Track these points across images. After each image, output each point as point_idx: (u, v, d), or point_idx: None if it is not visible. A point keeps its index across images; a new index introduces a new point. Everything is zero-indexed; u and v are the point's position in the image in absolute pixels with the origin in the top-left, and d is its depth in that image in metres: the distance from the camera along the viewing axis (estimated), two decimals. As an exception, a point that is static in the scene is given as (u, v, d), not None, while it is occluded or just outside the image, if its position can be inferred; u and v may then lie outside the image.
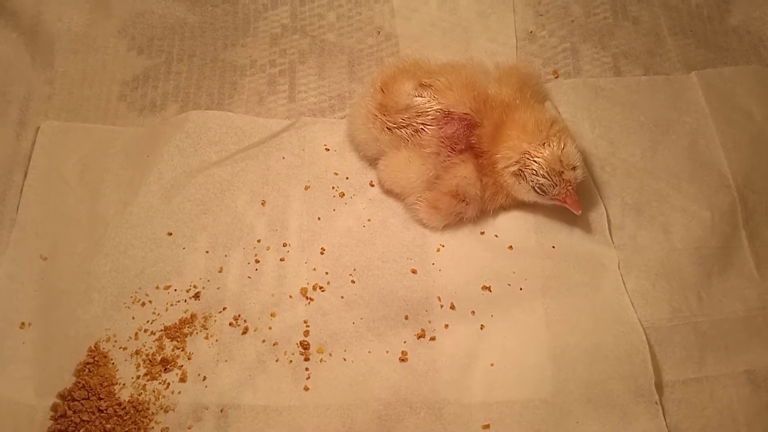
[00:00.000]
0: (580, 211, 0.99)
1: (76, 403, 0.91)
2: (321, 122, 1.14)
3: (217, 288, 1.00)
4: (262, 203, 1.07)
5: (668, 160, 1.10)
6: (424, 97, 1.04)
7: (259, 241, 1.04)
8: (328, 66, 1.21)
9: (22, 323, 0.97)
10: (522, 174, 0.99)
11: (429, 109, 1.03)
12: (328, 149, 1.11)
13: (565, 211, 1.02)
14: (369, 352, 0.96)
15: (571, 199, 0.98)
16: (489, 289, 1.00)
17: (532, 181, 0.98)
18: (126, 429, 0.90)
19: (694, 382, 0.96)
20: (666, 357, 0.96)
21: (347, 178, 1.09)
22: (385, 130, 1.05)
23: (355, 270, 1.01)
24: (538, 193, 0.99)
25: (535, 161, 0.97)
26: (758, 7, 1.26)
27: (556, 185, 0.98)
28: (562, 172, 0.97)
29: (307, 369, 0.95)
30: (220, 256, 1.02)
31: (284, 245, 1.03)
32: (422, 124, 1.03)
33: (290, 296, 1.00)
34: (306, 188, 1.08)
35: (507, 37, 1.24)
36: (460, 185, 1.01)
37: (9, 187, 1.06)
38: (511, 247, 1.03)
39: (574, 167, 0.98)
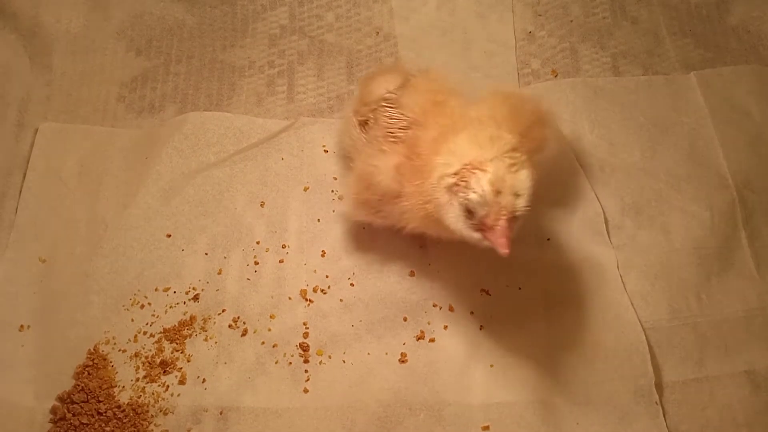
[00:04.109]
0: (507, 252, 0.79)
1: (75, 405, 0.91)
2: (320, 123, 1.14)
3: (217, 290, 1.00)
4: (261, 204, 1.07)
5: (667, 160, 1.10)
6: (394, 94, 0.95)
7: (258, 242, 1.03)
8: (327, 67, 1.21)
9: (21, 326, 0.96)
10: (456, 190, 0.81)
11: (392, 106, 0.94)
12: (326, 150, 1.11)
13: (563, 211, 1.02)
14: (368, 354, 0.96)
15: (499, 231, 0.79)
16: (488, 291, 1.00)
17: (462, 196, 0.80)
18: (125, 431, 0.89)
19: (694, 383, 0.96)
20: (666, 357, 0.97)
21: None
22: (357, 126, 0.99)
23: (354, 272, 1.01)
24: (464, 215, 0.81)
25: (474, 173, 0.80)
26: (757, 7, 1.26)
27: (488, 207, 0.79)
28: (500, 193, 0.79)
29: (306, 371, 0.95)
30: (219, 257, 1.02)
31: (283, 247, 1.03)
32: (383, 117, 0.94)
33: (289, 298, 1.00)
34: (305, 189, 1.08)
35: (506, 38, 1.24)
36: (372, 174, 0.91)
37: (8, 189, 1.06)
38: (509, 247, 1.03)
39: (518, 194, 0.80)
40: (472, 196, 0.79)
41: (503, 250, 0.78)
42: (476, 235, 0.81)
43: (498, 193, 0.78)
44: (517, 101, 0.93)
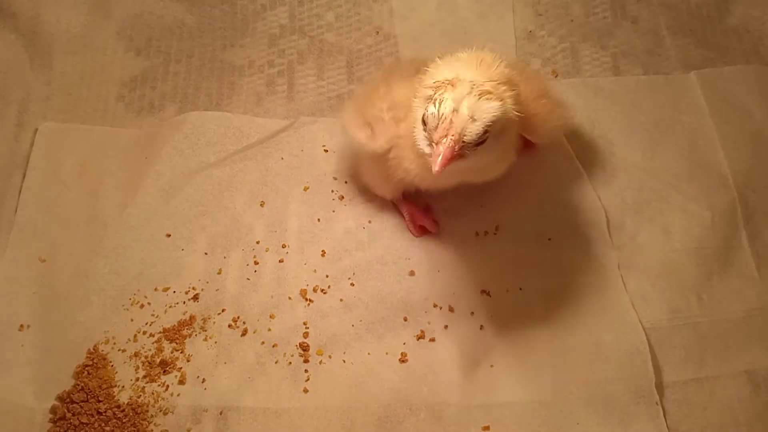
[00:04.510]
0: (437, 170, 0.76)
1: (75, 405, 0.91)
2: (320, 122, 1.13)
3: (216, 289, 1.00)
4: (260, 204, 1.06)
5: (668, 160, 1.10)
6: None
7: (258, 242, 1.03)
8: (327, 66, 1.21)
9: (21, 326, 0.96)
10: (427, 103, 0.79)
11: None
12: (326, 150, 1.11)
13: (564, 211, 1.02)
14: (368, 353, 0.96)
15: (439, 148, 0.76)
16: (488, 292, 1.00)
17: (425, 106, 0.79)
18: (125, 431, 0.89)
19: (694, 383, 0.96)
20: (666, 357, 0.97)
21: (346, 182, 1.08)
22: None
23: (354, 273, 1.01)
24: (422, 127, 0.80)
25: (448, 87, 0.78)
26: (758, 7, 1.26)
27: (439, 123, 0.77)
28: (456, 111, 0.76)
29: (306, 371, 0.95)
30: (218, 257, 1.02)
31: (283, 246, 1.03)
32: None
33: (289, 298, 0.99)
34: (305, 189, 1.08)
35: (506, 37, 1.24)
36: (368, 98, 0.92)
37: (7, 189, 1.06)
38: (509, 248, 1.03)
39: (474, 119, 0.76)
40: (432, 109, 0.77)
41: (435, 167, 0.76)
42: (427, 149, 0.80)
43: (455, 111, 0.76)
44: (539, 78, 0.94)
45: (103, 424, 0.90)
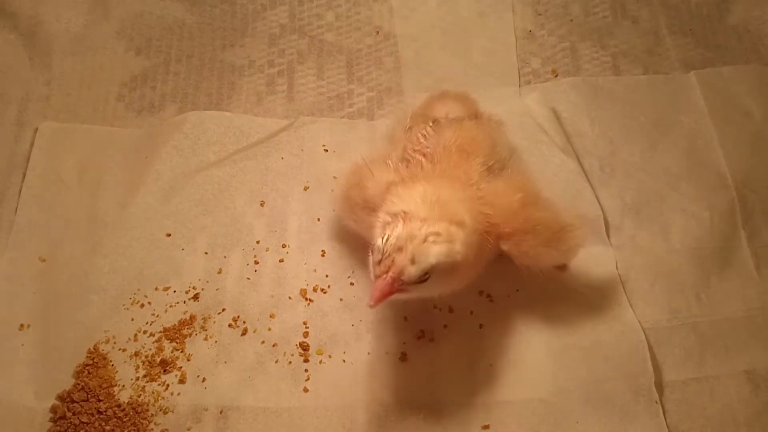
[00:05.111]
0: (371, 305, 0.76)
1: (75, 404, 0.91)
2: (320, 122, 1.13)
3: (216, 289, 1.00)
4: (261, 204, 1.06)
5: (667, 160, 1.10)
6: (446, 120, 0.96)
7: (258, 242, 1.03)
8: (327, 66, 1.21)
9: (21, 325, 0.96)
10: (382, 224, 0.80)
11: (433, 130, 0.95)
12: (326, 150, 1.11)
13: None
14: (368, 353, 0.96)
15: (377, 283, 0.76)
16: (487, 292, 1.00)
17: (377, 236, 0.79)
18: (125, 431, 0.90)
19: (694, 382, 0.96)
20: (666, 357, 0.97)
21: (346, 180, 1.09)
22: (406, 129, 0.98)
23: (354, 272, 1.01)
24: (371, 254, 0.79)
25: (399, 221, 0.78)
26: (757, 7, 1.26)
27: (382, 259, 0.76)
28: (401, 251, 0.76)
29: (306, 370, 0.95)
30: (219, 257, 1.02)
31: (283, 246, 1.03)
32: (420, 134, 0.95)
33: (289, 297, 1.00)
34: (305, 189, 1.08)
35: (506, 37, 1.24)
36: (365, 176, 0.90)
37: (7, 189, 1.06)
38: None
39: (414, 263, 0.76)
40: (378, 240, 0.77)
41: (370, 302, 0.76)
42: (372, 276, 0.79)
43: (399, 250, 0.76)
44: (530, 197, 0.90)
45: (103, 424, 0.90)
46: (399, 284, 0.76)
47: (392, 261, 0.76)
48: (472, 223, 0.81)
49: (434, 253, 0.76)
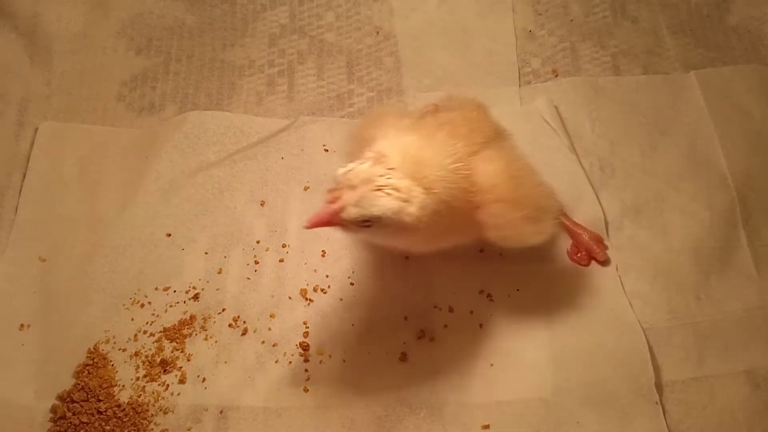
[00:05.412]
0: (306, 226, 0.77)
1: (75, 404, 0.91)
2: (320, 122, 1.14)
3: (217, 289, 1.00)
4: (261, 204, 1.07)
5: (667, 159, 1.10)
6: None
7: (258, 242, 1.03)
8: (327, 66, 1.21)
9: (21, 325, 0.96)
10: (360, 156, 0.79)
11: None
12: (327, 150, 1.11)
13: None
14: (369, 353, 0.96)
15: (323, 207, 0.76)
16: (487, 292, 1.00)
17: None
18: (125, 431, 0.90)
19: (694, 382, 0.96)
20: (666, 357, 0.97)
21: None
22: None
23: (354, 273, 1.01)
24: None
25: (368, 159, 0.77)
26: (757, 7, 1.26)
27: (335, 187, 0.77)
28: (354, 189, 0.76)
29: (306, 370, 0.95)
30: (219, 257, 1.02)
31: (283, 246, 1.03)
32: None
33: (290, 297, 1.00)
34: (305, 189, 1.08)
35: (506, 37, 1.24)
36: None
37: (7, 189, 1.06)
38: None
39: (356, 205, 0.75)
40: (340, 168, 0.77)
41: (307, 222, 0.76)
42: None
43: (352, 188, 0.76)
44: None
45: (103, 424, 0.90)
46: (338, 219, 0.76)
47: (339, 191, 0.76)
48: (443, 194, 0.79)
49: (381, 204, 0.75)
